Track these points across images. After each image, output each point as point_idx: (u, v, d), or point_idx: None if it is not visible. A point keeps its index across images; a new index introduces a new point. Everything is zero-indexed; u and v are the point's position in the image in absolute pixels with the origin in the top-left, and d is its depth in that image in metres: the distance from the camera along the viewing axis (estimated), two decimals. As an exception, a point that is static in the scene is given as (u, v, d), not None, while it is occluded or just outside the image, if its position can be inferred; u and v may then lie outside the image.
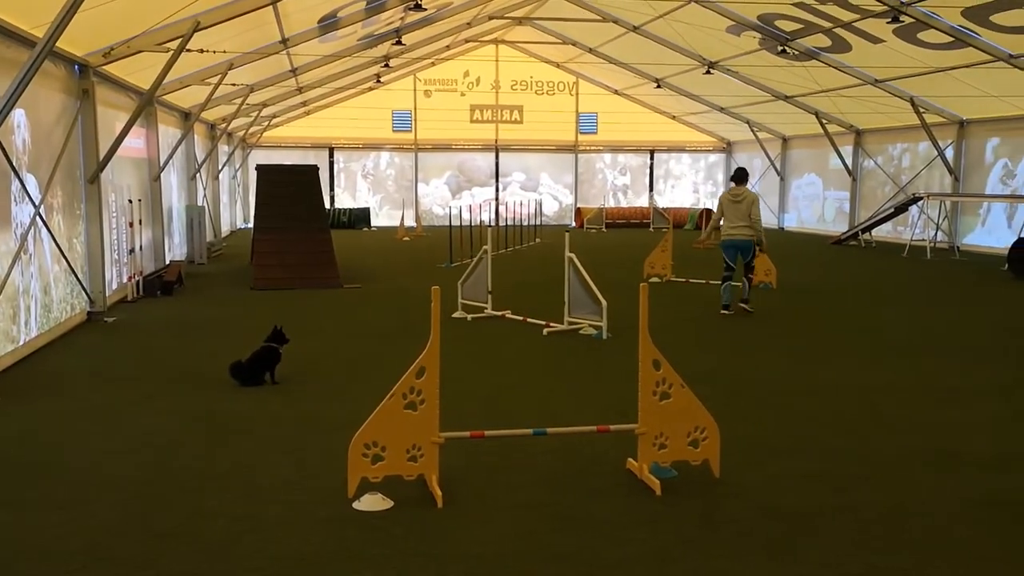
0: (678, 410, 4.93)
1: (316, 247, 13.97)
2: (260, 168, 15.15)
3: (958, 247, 20.73)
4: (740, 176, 11.39)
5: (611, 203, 32.14)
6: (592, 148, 32.52)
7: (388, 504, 4.63)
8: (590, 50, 26.68)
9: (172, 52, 11.22)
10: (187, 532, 4.32)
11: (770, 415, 6.50)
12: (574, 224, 31.04)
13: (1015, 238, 16.69)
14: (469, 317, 10.80)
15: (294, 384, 7.40)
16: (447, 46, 26.73)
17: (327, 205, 29.39)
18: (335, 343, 9.33)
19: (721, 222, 11.26)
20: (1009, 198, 19.50)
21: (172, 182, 17.52)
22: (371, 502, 4.64)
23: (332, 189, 30.56)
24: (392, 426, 4.68)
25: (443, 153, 31.56)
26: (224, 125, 22.06)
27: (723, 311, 11.26)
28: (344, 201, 30.85)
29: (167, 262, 15.72)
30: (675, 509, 4.62)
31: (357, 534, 4.29)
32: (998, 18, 15.06)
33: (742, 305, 11.32)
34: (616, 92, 30.91)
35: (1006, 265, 16.03)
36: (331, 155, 30.71)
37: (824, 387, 7.37)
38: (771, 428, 6.15)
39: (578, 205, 32.11)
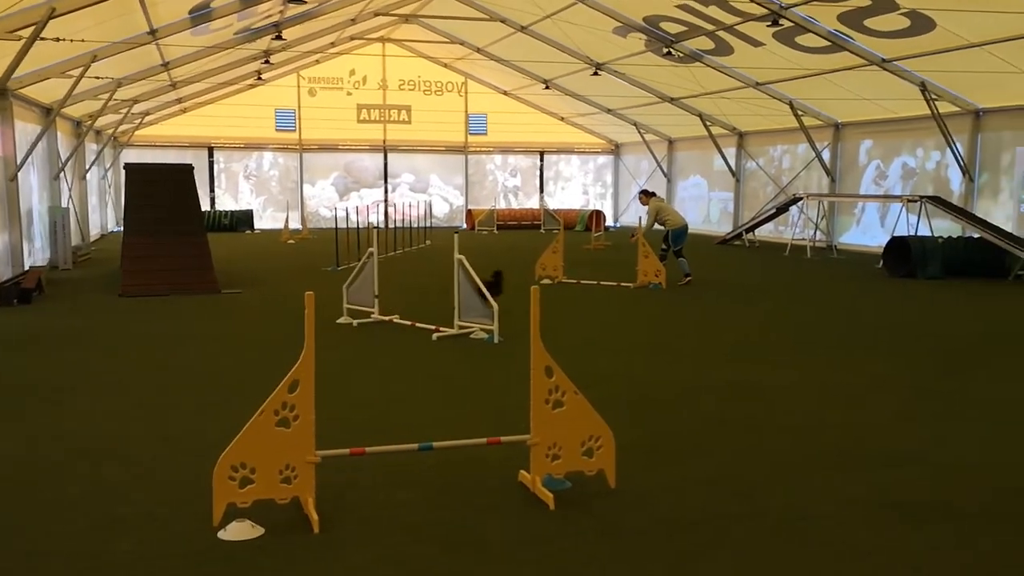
0: (571, 418, 4.68)
1: (191, 250, 13.18)
2: (129, 168, 14.21)
3: (835, 246, 21.46)
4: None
5: (502, 205, 32.01)
6: (482, 149, 32.33)
7: (258, 532, 4.20)
8: (478, 50, 26.46)
9: (25, 40, 10.33)
10: (22, 573, 3.77)
11: (667, 418, 6.35)
12: (465, 226, 30.77)
13: (887, 237, 17.33)
14: (355, 323, 10.34)
15: (162, 398, 6.82)
16: (331, 43, 26.01)
17: (207, 207, 28.26)
18: (209, 353, 8.72)
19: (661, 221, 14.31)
20: (881, 198, 20.30)
21: (32, 182, 16.31)
22: (239, 531, 4.19)
23: (212, 190, 29.36)
24: (262, 445, 4.25)
25: (329, 153, 30.76)
26: (90, 122, 20.75)
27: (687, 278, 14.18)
28: (225, 203, 29.68)
29: (26, 268, 14.57)
30: (571, 524, 4.35)
31: (222, 569, 3.84)
32: (871, 23, 15.60)
33: (688, 277, 14.14)
34: (505, 93, 30.81)
35: (880, 263, 16.62)
36: (211, 155, 29.49)
37: (720, 388, 7.28)
38: (669, 432, 5.98)
39: (469, 207, 31.85)
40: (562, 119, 31.88)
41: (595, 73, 23.50)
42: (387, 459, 5.12)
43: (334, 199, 30.52)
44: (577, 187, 33.74)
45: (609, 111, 28.45)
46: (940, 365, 8.27)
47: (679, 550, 4.06)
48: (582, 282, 14.34)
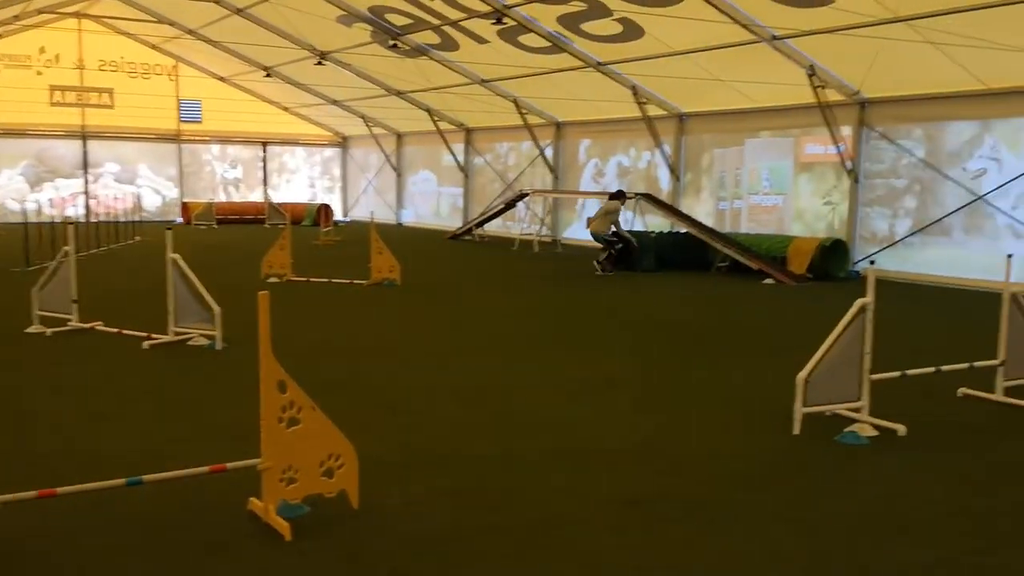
0: (309, 437, 4.21)
1: None
2: None
3: (560, 240, 22.36)
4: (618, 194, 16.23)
5: (222, 198, 30.15)
6: (197, 138, 30.21)
7: (-90, 609, 3.34)
8: (190, 31, 24.60)
9: None
10: None
11: (410, 426, 6.02)
12: (181, 220, 28.61)
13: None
14: (48, 332, 9.03)
15: None
16: (15, 16, 22.94)
17: None
18: None
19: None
20: (600, 195, 21.36)
21: None
22: None
23: None
24: (-87, 500, 3.38)
25: (17, 139, 27.24)
26: None
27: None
28: None
29: None
30: (310, 554, 3.91)
31: None
32: (588, 27, 16.31)
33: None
34: (222, 79, 28.96)
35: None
36: None
37: (460, 388, 7.09)
38: (412, 441, 5.65)
39: (184, 199, 29.64)
40: (286, 109, 30.59)
41: (319, 63, 22.70)
42: (87, 498, 4.32)
43: (24, 190, 27.14)
44: (303, 180, 32.60)
45: (335, 102, 27.68)
46: (668, 356, 8.69)
47: (427, 571, 3.77)
48: (312, 280, 13.68)
